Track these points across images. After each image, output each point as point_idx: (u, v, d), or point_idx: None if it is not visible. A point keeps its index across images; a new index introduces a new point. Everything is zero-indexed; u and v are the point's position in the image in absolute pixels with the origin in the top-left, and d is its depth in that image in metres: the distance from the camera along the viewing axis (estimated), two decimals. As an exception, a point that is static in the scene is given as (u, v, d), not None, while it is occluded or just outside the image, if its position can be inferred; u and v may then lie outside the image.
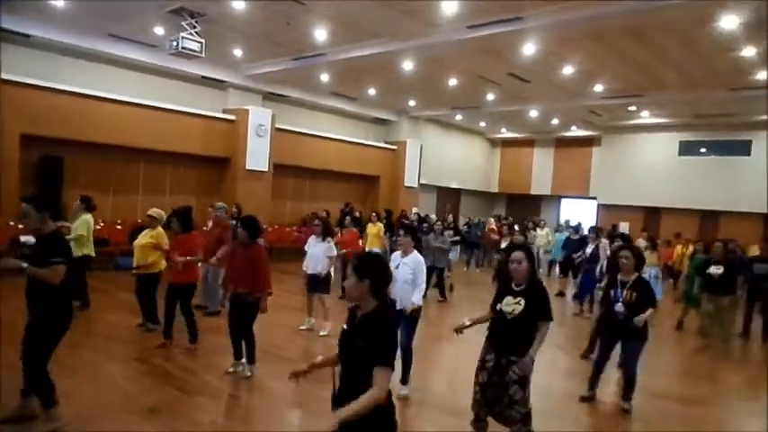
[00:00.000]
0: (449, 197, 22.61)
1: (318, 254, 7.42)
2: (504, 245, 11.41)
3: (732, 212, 17.07)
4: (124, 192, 12.57)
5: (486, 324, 4.07)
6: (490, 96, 15.39)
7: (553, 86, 13.71)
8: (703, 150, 17.95)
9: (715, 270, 8.03)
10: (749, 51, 9.92)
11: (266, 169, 14.42)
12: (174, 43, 9.58)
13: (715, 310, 8.14)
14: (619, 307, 5.04)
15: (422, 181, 19.86)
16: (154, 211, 6.78)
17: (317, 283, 7.44)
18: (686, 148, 18.19)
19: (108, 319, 7.40)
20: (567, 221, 15.32)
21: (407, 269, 5.09)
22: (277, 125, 14.78)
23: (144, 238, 6.70)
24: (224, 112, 14.23)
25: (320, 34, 10.51)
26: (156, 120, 12.45)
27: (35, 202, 3.85)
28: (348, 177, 17.99)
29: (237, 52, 12.35)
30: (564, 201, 23.14)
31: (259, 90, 14.85)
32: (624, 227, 17.92)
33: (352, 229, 10.23)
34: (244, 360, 5.50)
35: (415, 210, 18.99)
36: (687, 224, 17.13)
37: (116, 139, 11.75)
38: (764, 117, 15.69)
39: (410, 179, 19.18)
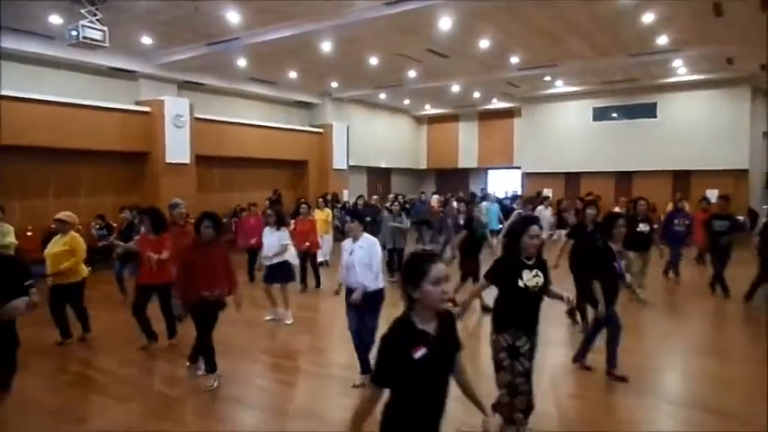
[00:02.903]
0: (379, 177, 22.72)
1: (274, 243, 7.40)
2: (450, 221, 11.34)
3: (644, 171, 18.18)
4: (33, 196, 11.72)
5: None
6: (411, 73, 15.50)
7: (471, 61, 13.98)
8: (615, 115, 18.93)
9: (642, 227, 8.54)
10: (648, 18, 10.48)
11: (188, 161, 13.88)
12: (74, 33, 8.87)
13: (643, 264, 8.74)
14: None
15: (351, 162, 19.82)
16: (64, 215, 6.29)
17: (277, 274, 7.42)
18: (599, 114, 19.11)
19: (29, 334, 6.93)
20: (486, 192, 15.73)
21: (363, 252, 5.08)
22: (196, 115, 14.24)
23: (56, 245, 6.18)
24: (137, 103, 13.52)
25: (232, 17, 10.15)
26: (63, 116, 11.60)
27: None
28: (276, 164, 17.66)
29: (146, 40, 11.73)
30: (491, 172, 23.83)
31: (173, 79, 14.21)
32: (548, 192, 18.75)
33: (307, 218, 9.82)
34: (202, 366, 5.25)
35: (346, 192, 18.99)
36: (605, 186, 18.13)
37: (19, 139, 10.87)
38: (667, 80, 16.76)
39: (339, 161, 19.09)
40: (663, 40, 12.10)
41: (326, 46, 12.04)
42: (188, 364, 5.32)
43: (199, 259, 5.03)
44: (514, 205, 11.88)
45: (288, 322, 7.31)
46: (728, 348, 6.55)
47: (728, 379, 5.41)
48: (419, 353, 2.14)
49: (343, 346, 5.55)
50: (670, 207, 12.50)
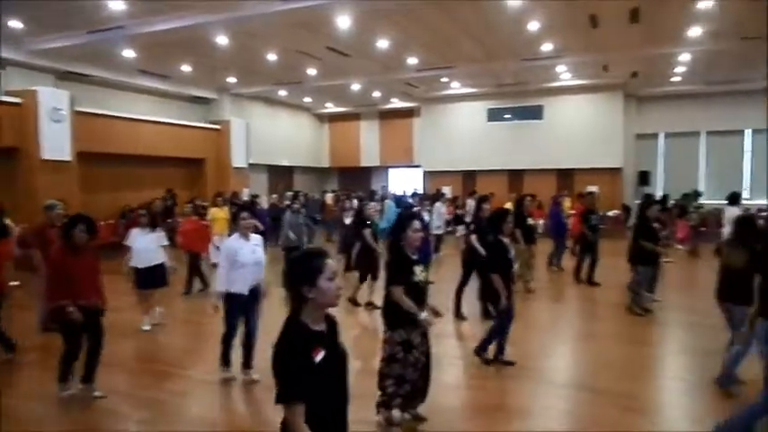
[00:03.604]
0: (281, 175, 22.32)
1: (150, 246, 6.93)
2: (347, 219, 11.37)
3: (533, 170, 19.35)
4: None
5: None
6: (311, 71, 15.37)
7: (371, 60, 14.12)
8: (507, 116, 19.95)
9: (532, 222, 9.13)
10: (533, 25, 11.16)
11: (69, 158, 12.74)
12: None
13: (529, 255, 9.27)
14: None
15: (251, 160, 19.29)
16: None
17: (154, 278, 6.97)
18: (493, 115, 20.05)
19: None
20: (386, 190, 16.02)
21: (259, 249, 5.07)
22: (79, 108, 13.14)
23: None
24: (7, 94, 12.21)
25: (115, 5, 9.48)
26: None
27: None
28: (171, 162, 16.78)
29: (15, 24, 10.63)
30: (392, 170, 24.24)
31: (50, 68, 13.02)
32: (447, 190, 19.41)
33: (192, 218, 9.37)
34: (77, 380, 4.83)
35: (246, 190, 18.47)
36: (499, 184, 19.05)
37: None
38: (552, 84, 17.95)
39: (238, 159, 18.51)
40: (547, 46, 12.94)
41: (221, 40, 11.61)
42: (81, 385, 4.82)
43: (73, 266, 4.61)
44: (412, 201, 12.20)
45: (145, 328, 6.91)
46: (603, 332, 7.14)
47: (604, 359, 5.90)
48: (319, 356, 2.03)
49: (234, 351, 5.34)
50: (508, 205, 13.26)
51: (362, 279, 8.08)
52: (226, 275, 4.94)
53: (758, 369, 4.80)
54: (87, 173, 13.58)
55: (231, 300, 4.99)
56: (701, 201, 17.08)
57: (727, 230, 8.76)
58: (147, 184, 15.70)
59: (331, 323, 2.21)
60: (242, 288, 4.95)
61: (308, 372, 1.98)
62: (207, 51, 12.85)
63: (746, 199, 15.73)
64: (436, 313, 4.23)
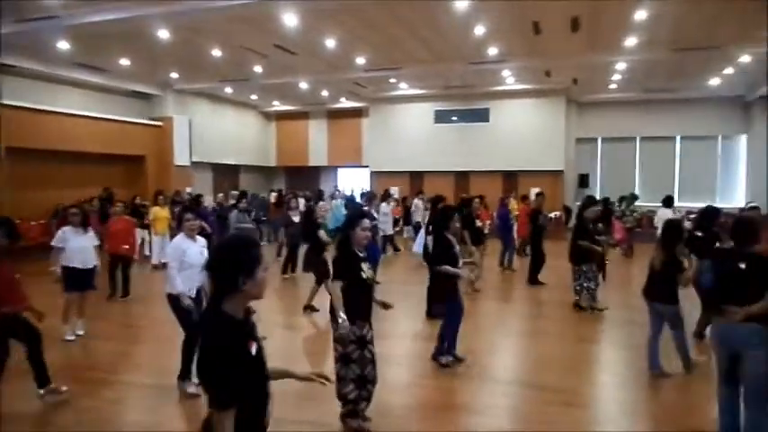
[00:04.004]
0: (226, 174, 21.79)
1: (85, 246, 6.61)
2: (296, 218, 11.17)
3: (479, 171, 19.73)
4: None
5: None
6: (258, 68, 15.09)
7: (319, 59, 14.00)
8: (454, 118, 20.25)
9: (478, 223, 9.29)
10: (479, 30, 11.36)
11: (-7, 154, 12.02)
12: None
13: (478, 256, 9.41)
14: None
15: (194, 158, 18.77)
16: None
17: (87, 280, 6.63)
18: (440, 117, 20.30)
19: None
20: (336, 189, 15.99)
21: (206, 252, 4.90)
22: (4, 101, 12.37)
23: None
24: None
25: (48, -7, 9.01)
26: None
27: None
28: (109, 159, 16.07)
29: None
30: (341, 170, 24.14)
31: (-26, 59, 12.20)
32: (395, 191, 19.49)
33: (123, 217, 8.94)
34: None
35: (189, 189, 17.94)
36: (445, 185, 19.29)
37: None
38: (498, 88, 18.36)
39: (181, 157, 17.97)
40: (493, 50, 13.22)
41: (163, 33, 11.22)
42: (42, 392, 4.60)
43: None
44: (362, 201, 12.23)
45: (76, 334, 6.60)
46: (547, 330, 7.35)
47: (547, 357, 6.08)
48: (254, 348, 1.92)
49: (172, 354, 5.15)
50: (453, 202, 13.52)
51: (319, 283, 7.92)
52: (184, 275, 4.80)
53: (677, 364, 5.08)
54: (17, 170, 12.82)
55: (179, 301, 4.80)
56: (638, 203, 17.95)
57: (659, 232, 9.21)
58: (83, 182, 14.93)
59: (248, 313, 2.03)
60: (189, 290, 4.83)
61: (246, 368, 1.85)
62: (148, 45, 12.38)
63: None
64: (386, 306, 4.35)
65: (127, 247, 8.55)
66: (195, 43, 12.47)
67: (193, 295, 4.88)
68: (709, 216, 6.41)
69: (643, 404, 4.79)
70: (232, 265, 1.91)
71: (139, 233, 12.47)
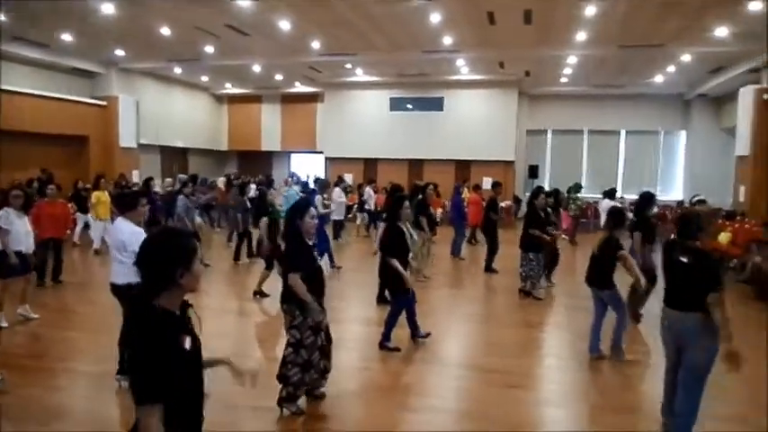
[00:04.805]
0: (175, 157, 21.15)
1: (28, 230, 6.51)
2: (249, 204, 11.10)
3: (433, 160, 19.91)
4: None
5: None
6: (209, 49, 14.64)
7: (273, 41, 13.71)
8: (409, 106, 20.31)
9: (432, 211, 9.37)
10: (435, 18, 11.40)
11: None
12: None
13: (422, 243, 9.50)
14: None
15: (141, 141, 18.12)
16: None
17: (27, 264, 6.45)
18: (395, 105, 20.31)
19: None
20: (292, 175, 15.85)
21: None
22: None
23: None
24: None
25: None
26: None
27: None
28: (48, 139, 15.28)
29: None
30: (294, 156, 23.86)
31: None
32: (349, 177, 19.47)
33: (58, 200, 8.57)
34: None
35: (135, 172, 17.37)
36: (399, 172, 19.40)
37: None
38: (452, 77, 18.51)
39: (127, 139, 17.31)
40: (448, 40, 13.30)
41: (107, 8, 10.72)
42: None
43: None
44: (314, 188, 12.19)
45: (34, 316, 6.51)
46: (495, 315, 7.57)
47: (494, 341, 6.25)
48: (187, 342, 1.85)
49: (113, 341, 5.00)
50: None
51: (269, 266, 7.89)
52: (121, 263, 4.53)
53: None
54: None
55: (122, 292, 4.58)
56: (583, 194, 18.57)
57: (603, 221, 9.60)
58: (21, 164, 14.18)
59: (184, 307, 1.98)
60: (135, 280, 4.55)
61: (176, 363, 1.77)
62: (91, 20, 11.80)
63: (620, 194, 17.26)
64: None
65: (69, 232, 8.23)
66: (142, 20, 11.97)
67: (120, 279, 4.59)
68: (643, 200, 6.91)
69: (582, 385, 5.00)
70: (169, 258, 1.86)
71: (81, 218, 12.09)
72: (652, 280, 6.38)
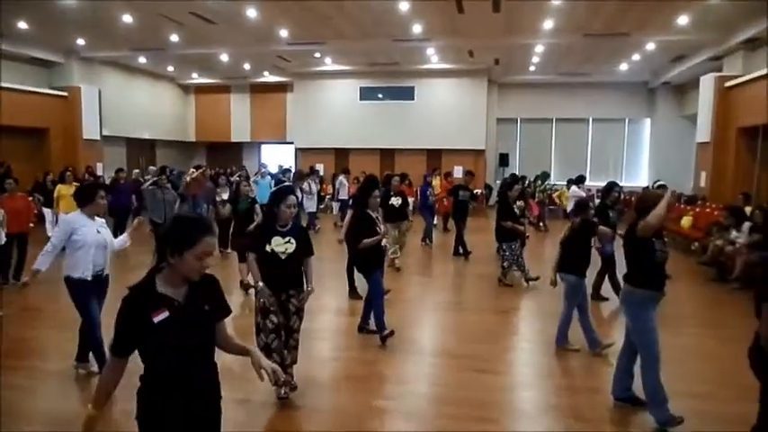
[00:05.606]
0: (142, 149, 20.69)
1: None
2: (225, 195, 10.87)
3: (404, 149, 19.93)
4: None
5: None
6: (174, 37, 14.31)
7: (240, 30, 13.49)
8: (380, 96, 20.25)
9: (395, 201, 9.26)
10: (404, 6, 11.36)
11: None
12: None
13: (399, 234, 9.51)
14: None
15: (105, 132, 17.65)
16: None
17: None
18: (365, 94, 20.23)
19: None
20: (264, 166, 15.64)
21: (104, 231, 4.62)
22: None
23: None
24: None
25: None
26: None
27: None
28: (6, 131, 14.74)
29: None
30: (264, 146, 23.58)
31: None
32: (320, 167, 19.37)
33: (18, 194, 8.27)
34: None
35: (100, 165, 16.94)
36: (371, 162, 19.38)
37: None
38: (423, 66, 18.51)
39: (90, 131, 16.84)
40: (417, 28, 13.28)
41: (67, -6, 10.38)
42: None
43: None
44: (283, 178, 12.09)
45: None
46: (466, 302, 7.65)
47: (466, 328, 6.32)
48: (159, 317, 2.03)
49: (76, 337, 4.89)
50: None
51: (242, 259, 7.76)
52: (54, 255, 4.42)
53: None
54: None
55: (73, 286, 4.46)
56: (553, 181, 18.88)
57: (570, 208, 9.77)
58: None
59: (202, 286, 2.18)
60: (83, 273, 4.41)
61: (146, 332, 2.02)
62: (49, 7, 11.40)
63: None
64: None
65: (32, 225, 7.98)
66: (103, 7, 11.62)
67: (89, 278, 4.45)
68: (606, 190, 7.20)
69: (549, 368, 5.10)
70: (168, 238, 2.10)
71: (49, 212, 11.70)
72: (608, 264, 7.06)
